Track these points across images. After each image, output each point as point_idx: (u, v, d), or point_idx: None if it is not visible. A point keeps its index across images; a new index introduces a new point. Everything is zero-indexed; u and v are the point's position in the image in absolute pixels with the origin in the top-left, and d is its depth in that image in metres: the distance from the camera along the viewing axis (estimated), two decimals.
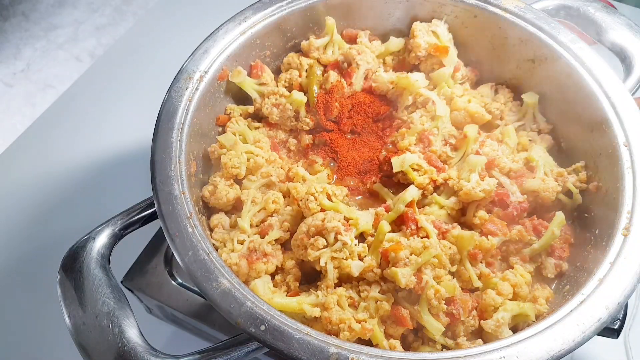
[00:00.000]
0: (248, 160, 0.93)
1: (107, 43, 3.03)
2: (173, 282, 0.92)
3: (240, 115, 1.02)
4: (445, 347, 0.79)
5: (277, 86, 1.04)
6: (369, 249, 0.83)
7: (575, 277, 0.83)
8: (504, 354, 0.66)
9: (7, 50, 3.04)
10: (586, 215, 0.90)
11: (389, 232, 0.84)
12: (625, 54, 0.97)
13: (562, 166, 0.95)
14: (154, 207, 0.78)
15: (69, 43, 3.06)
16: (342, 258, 0.80)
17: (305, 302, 0.78)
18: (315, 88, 1.01)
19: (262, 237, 0.86)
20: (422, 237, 0.83)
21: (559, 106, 0.98)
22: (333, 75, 1.02)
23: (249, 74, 1.03)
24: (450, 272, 0.81)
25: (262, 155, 0.95)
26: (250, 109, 1.03)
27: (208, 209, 0.93)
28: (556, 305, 0.78)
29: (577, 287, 0.76)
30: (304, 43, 1.07)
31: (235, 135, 0.95)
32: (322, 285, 0.81)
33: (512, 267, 0.86)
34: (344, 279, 0.83)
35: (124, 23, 3.15)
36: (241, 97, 1.04)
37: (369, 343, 0.76)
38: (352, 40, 1.09)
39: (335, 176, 0.98)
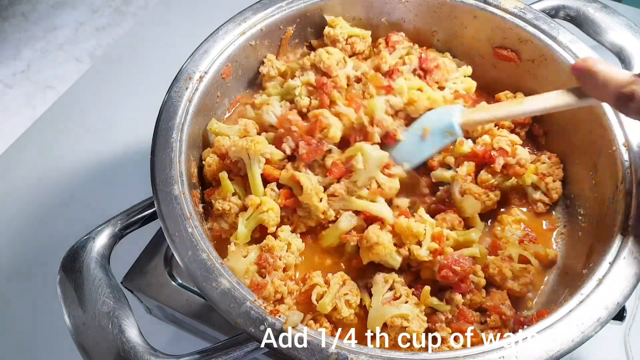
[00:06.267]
0: None
1: (107, 44, 3.03)
2: (173, 282, 0.92)
3: None
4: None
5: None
6: None
7: (574, 277, 0.83)
8: (503, 354, 0.66)
9: (7, 50, 3.03)
10: (585, 214, 0.90)
11: None
12: (625, 54, 0.97)
13: (564, 166, 0.97)
14: (154, 207, 0.78)
15: (68, 44, 3.06)
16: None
17: None
18: None
19: None
20: None
21: None
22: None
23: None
24: None
25: None
26: None
27: None
28: (556, 305, 0.78)
29: (576, 287, 0.76)
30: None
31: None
32: None
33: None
34: None
35: (124, 24, 3.15)
36: None
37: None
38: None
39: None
